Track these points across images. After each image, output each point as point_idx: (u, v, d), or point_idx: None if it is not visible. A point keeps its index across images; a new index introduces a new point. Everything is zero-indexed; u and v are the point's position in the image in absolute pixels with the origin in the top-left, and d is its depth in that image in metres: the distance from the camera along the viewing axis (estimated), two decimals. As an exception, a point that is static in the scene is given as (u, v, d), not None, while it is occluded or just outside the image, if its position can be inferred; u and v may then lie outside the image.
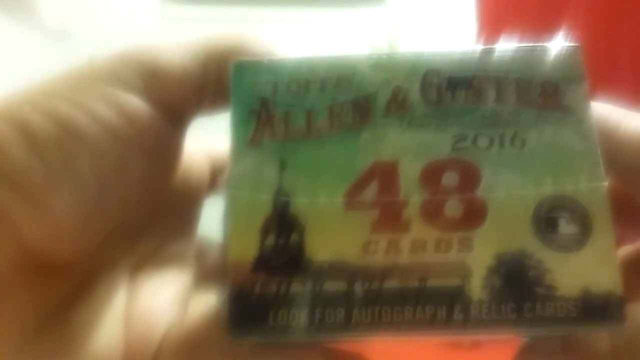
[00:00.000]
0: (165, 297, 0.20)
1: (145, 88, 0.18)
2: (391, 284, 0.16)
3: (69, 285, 0.19)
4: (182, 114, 0.20)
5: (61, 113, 0.17)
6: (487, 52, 0.18)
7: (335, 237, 0.17)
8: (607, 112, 0.19)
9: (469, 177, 0.17)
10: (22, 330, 0.17)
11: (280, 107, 0.18)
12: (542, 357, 0.19)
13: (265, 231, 0.17)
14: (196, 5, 1.13)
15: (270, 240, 0.17)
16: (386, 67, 0.18)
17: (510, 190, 0.17)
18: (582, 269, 0.16)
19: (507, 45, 0.19)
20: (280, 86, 0.18)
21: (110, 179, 0.18)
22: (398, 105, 0.18)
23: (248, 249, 0.17)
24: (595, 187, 0.17)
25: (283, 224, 0.17)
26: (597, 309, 0.16)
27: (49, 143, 0.17)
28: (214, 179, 0.24)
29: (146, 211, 0.21)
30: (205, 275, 0.23)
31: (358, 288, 0.16)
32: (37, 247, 0.17)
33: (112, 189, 0.18)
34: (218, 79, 0.19)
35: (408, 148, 0.18)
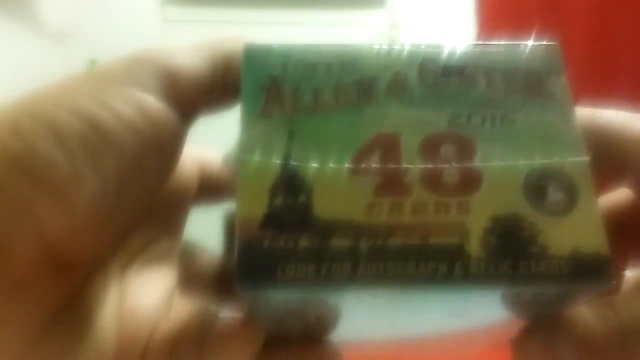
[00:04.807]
0: (153, 295, 0.21)
1: (160, 88, 0.19)
2: (395, 241, 0.17)
3: (76, 282, 0.19)
4: (192, 112, 0.21)
5: (86, 110, 0.18)
6: (477, 47, 0.20)
7: (341, 198, 0.18)
8: (611, 116, 0.20)
9: (465, 149, 0.19)
10: (33, 327, 0.17)
11: (289, 84, 0.19)
12: (544, 339, 0.19)
13: (273, 192, 0.18)
14: (196, 7, 1.13)
15: (279, 199, 0.18)
16: (387, 55, 0.20)
17: (503, 161, 0.18)
18: (571, 231, 0.17)
19: (494, 42, 0.21)
20: (289, 67, 0.20)
21: (129, 176, 0.18)
22: (398, 87, 0.20)
23: (257, 208, 0.17)
24: (579, 161, 0.18)
25: (291, 185, 0.18)
26: (586, 267, 0.17)
27: (74, 139, 0.17)
28: (203, 185, 0.25)
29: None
30: (189, 276, 0.23)
31: (363, 245, 0.17)
32: (58, 243, 0.17)
33: (130, 186, 0.19)
34: (225, 78, 0.20)
35: (408, 122, 0.19)
